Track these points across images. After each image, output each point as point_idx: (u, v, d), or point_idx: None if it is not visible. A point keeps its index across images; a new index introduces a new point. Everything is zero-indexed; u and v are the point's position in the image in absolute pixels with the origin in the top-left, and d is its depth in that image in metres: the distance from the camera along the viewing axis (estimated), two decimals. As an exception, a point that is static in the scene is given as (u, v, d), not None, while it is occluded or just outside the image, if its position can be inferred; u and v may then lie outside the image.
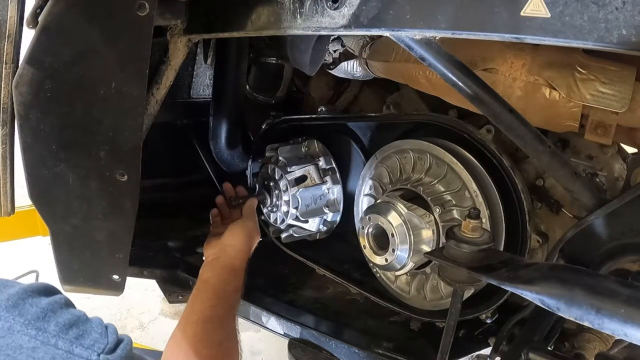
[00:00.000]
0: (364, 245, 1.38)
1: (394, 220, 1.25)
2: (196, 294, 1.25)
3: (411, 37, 0.84)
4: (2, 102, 1.06)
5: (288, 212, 1.60)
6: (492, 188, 1.23)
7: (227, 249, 1.38)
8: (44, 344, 0.72)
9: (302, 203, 1.60)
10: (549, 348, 1.12)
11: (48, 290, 0.81)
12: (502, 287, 0.88)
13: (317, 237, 1.76)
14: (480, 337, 1.30)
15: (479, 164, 1.25)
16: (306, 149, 1.68)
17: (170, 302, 1.87)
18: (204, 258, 1.44)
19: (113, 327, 0.81)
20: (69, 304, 0.82)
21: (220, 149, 1.79)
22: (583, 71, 1.05)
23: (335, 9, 0.89)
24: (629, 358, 1.32)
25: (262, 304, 1.65)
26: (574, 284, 0.79)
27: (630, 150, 1.22)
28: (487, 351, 1.25)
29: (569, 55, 1.08)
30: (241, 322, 1.39)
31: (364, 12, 0.86)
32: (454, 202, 1.27)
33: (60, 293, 0.83)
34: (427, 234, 1.25)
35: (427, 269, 1.38)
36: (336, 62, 1.63)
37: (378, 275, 1.55)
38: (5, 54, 1.02)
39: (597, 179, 1.17)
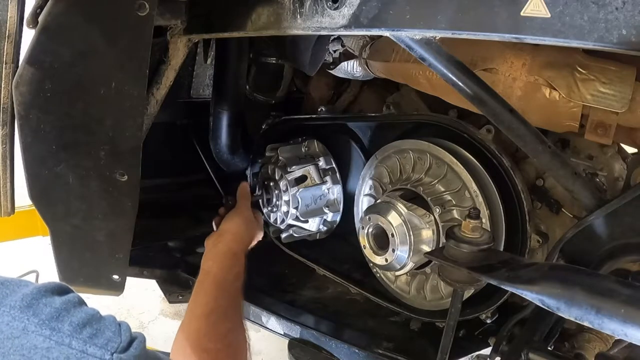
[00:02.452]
0: (364, 245, 1.38)
1: (394, 220, 1.25)
2: (198, 286, 1.24)
3: (411, 37, 0.84)
4: (2, 102, 1.06)
5: (288, 212, 1.60)
6: (492, 188, 1.23)
7: (223, 235, 1.38)
8: (59, 344, 0.72)
9: (302, 203, 1.60)
10: (549, 348, 1.12)
11: (61, 290, 0.81)
12: (502, 287, 0.88)
13: (317, 237, 1.76)
14: (480, 337, 1.30)
15: (479, 164, 1.25)
16: (306, 149, 1.68)
17: (170, 302, 1.87)
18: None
19: (126, 325, 0.81)
20: (81, 303, 0.82)
21: (220, 149, 1.79)
22: (583, 71, 1.05)
23: (335, 9, 0.89)
24: (629, 358, 1.32)
25: (262, 304, 1.65)
26: (574, 284, 0.79)
27: (630, 150, 1.22)
28: (487, 351, 1.25)
29: (569, 55, 1.08)
30: (241, 322, 1.38)
31: (364, 12, 0.86)
32: (454, 202, 1.27)
33: (73, 292, 0.83)
34: (427, 234, 1.25)
35: (427, 269, 1.38)
36: (336, 62, 1.62)
37: (378, 275, 1.55)
38: (5, 54, 1.02)
39: (597, 179, 1.17)
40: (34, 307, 0.74)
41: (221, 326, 1.16)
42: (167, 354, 1.11)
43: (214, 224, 1.51)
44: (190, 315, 1.17)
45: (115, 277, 1.32)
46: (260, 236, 1.51)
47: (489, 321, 1.29)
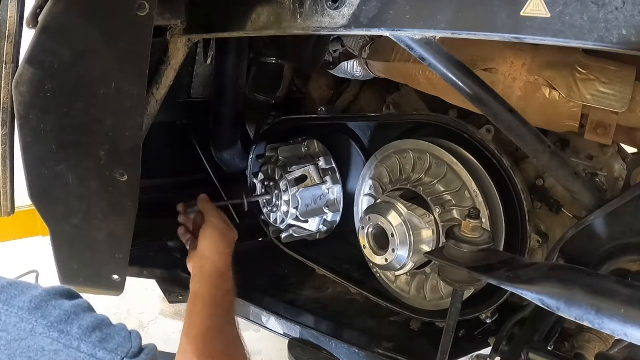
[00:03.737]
0: (364, 245, 1.38)
1: (394, 220, 1.25)
2: (191, 308, 1.22)
3: (411, 37, 0.84)
4: (2, 102, 1.06)
5: (288, 212, 1.60)
6: (492, 188, 1.23)
7: (205, 255, 1.33)
8: (67, 347, 0.72)
9: (302, 203, 1.60)
10: (549, 348, 1.12)
11: (71, 294, 0.80)
12: (502, 287, 0.88)
13: (317, 237, 1.76)
14: (480, 337, 1.30)
15: (479, 164, 1.25)
16: (306, 149, 1.68)
17: (170, 302, 1.87)
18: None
19: (137, 333, 0.80)
20: (91, 309, 0.81)
21: (220, 149, 1.79)
22: (583, 71, 1.05)
23: (335, 9, 0.89)
24: (629, 358, 1.32)
25: (262, 304, 1.65)
26: (574, 284, 0.79)
27: (630, 150, 1.22)
28: (487, 351, 1.25)
29: (569, 55, 1.08)
30: (241, 322, 1.37)
31: (364, 12, 0.86)
32: (454, 202, 1.27)
33: (82, 297, 0.82)
34: (427, 234, 1.25)
35: (427, 269, 1.38)
36: (336, 62, 1.63)
37: (378, 275, 1.55)
38: (5, 54, 1.03)
39: (597, 179, 1.17)
40: (43, 309, 0.73)
41: (218, 344, 1.14)
42: (168, 354, 1.10)
43: (180, 237, 1.47)
44: (187, 338, 1.14)
45: (115, 277, 1.32)
46: (235, 238, 1.43)
47: (489, 321, 1.29)
